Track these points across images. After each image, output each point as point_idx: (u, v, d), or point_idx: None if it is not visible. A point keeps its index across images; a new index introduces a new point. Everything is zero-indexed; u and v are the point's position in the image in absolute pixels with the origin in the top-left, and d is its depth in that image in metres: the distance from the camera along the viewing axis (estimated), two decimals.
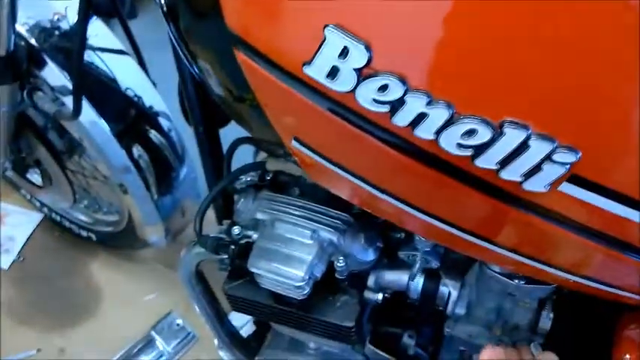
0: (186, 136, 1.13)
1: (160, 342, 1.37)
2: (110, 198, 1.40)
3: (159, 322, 1.39)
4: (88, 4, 0.81)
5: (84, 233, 1.48)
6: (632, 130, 0.37)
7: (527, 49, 0.36)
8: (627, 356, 0.58)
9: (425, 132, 0.39)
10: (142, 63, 1.25)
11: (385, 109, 0.40)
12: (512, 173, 0.39)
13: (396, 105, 0.39)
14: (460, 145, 0.39)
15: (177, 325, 1.40)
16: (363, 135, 0.43)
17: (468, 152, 0.39)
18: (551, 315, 0.63)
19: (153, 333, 1.37)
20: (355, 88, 0.40)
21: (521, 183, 0.40)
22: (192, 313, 1.34)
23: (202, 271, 0.86)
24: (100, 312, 1.42)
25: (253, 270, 0.65)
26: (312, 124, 0.46)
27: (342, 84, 0.40)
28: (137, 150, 1.14)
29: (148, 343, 1.38)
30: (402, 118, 0.39)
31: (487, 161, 0.39)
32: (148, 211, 1.25)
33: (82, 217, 1.48)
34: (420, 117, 0.39)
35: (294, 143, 0.50)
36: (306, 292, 0.64)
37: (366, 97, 0.40)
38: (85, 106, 1.07)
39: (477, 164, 0.40)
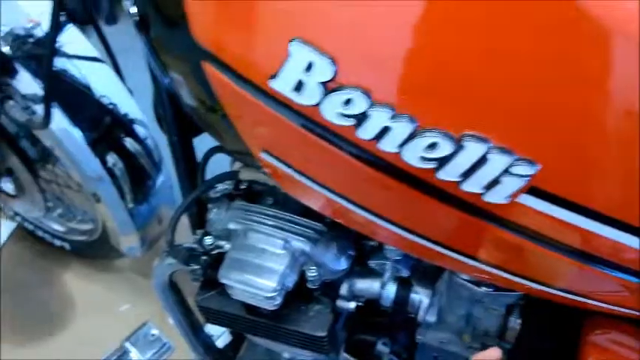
0: (163, 143, 1.12)
1: (134, 353, 1.35)
2: (84, 206, 1.38)
3: (134, 332, 1.37)
4: (60, 11, 0.81)
5: (57, 242, 1.46)
6: (590, 144, 0.39)
7: (485, 65, 0.37)
8: None
9: (389, 145, 0.40)
10: (118, 70, 1.24)
11: (350, 122, 0.40)
12: (473, 185, 0.40)
13: (361, 119, 0.40)
14: (423, 158, 0.40)
15: (153, 335, 1.37)
16: (330, 148, 0.43)
17: (431, 165, 0.40)
18: (519, 321, 0.65)
19: (127, 344, 1.34)
20: (320, 101, 0.40)
21: (482, 195, 0.41)
22: (168, 323, 1.33)
23: (176, 282, 0.85)
24: (73, 323, 1.39)
25: (224, 281, 0.65)
26: (280, 137, 0.46)
27: (308, 98, 0.40)
28: (112, 158, 1.12)
29: (123, 355, 1.35)
30: (367, 132, 0.40)
31: (449, 174, 0.40)
32: (122, 221, 1.23)
33: (56, 226, 1.46)
34: (384, 131, 0.39)
35: (263, 155, 0.50)
36: (277, 302, 0.64)
37: (332, 110, 0.40)
38: (57, 114, 1.06)
39: (439, 177, 0.41)
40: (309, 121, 0.42)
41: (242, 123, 0.49)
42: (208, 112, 0.60)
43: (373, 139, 0.40)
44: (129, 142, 1.18)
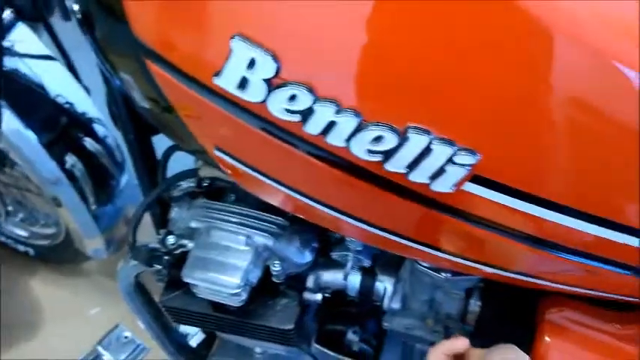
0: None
1: (107, 356, 1.33)
2: (46, 210, 1.34)
3: (105, 336, 1.34)
4: (7, 7, 0.77)
5: (21, 247, 1.41)
6: (529, 133, 0.40)
7: (425, 59, 0.37)
8: (547, 339, 0.62)
9: (336, 139, 0.40)
10: (72, 68, 1.20)
11: (296, 118, 0.40)
12: (419, 176, 0.41)
13: (306, 114, 0.40)
14: (370, 151, 0.40)
15: (126, 337, 1.35)
16: (279, 143, 0.43)
17: (378, 158, 0.41)
18: (479, 303, 0.66)
19: (99, 348, 1.32)
20: (266, 98, 0.40)
21: (429, 185, 0.42)
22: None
23: (143, 283, 0.84)
24: (42, 330, 1.36)
25: (188, 280, 0.64)
26: (230, 134, 0.46)
27: (253, 94, 0.40)
28: (70, 159, 1.09)
29: (96, 359, 1.34)
30: (314, 127, 0.40)
31: (396, 165, 0.41)
32: (85, 223, 1.20)
33: (18, 231, 1.41)
34: (330, 125, 0.40)
35: (217, 152, 0.50)
36: (243, 298, 0.64)
37: (278, 106, 0.40)
38: (8, 115, 1.02)
39: (387, 168, 0.41)
40: (257, 117, 0.42)
41: (192, 121, 0.49)
42: (161, 112, 0.59)
43: (320, 133, 0.41)
44: (88, 142, 1.15)
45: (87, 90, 1.19)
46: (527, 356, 0.50)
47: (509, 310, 0.69)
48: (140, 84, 0.56)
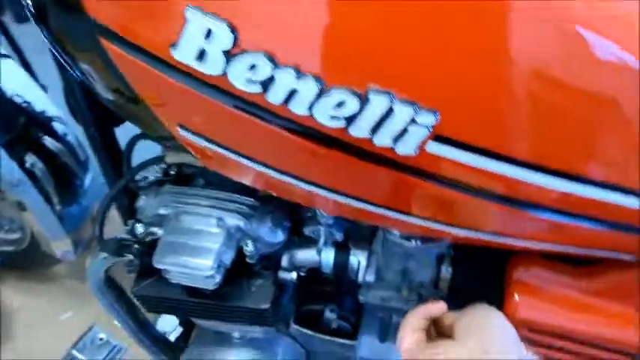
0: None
1: None
2: (9, 214, 1.29)
3: (80, 339, 1.32)
4: None
5: None
6: (486, 88, 0.41)
7: (382, 21, 0.38)
8: (516, 297, 0.64)
9: (299, 107, 0.41)
10: (28, 67, 1.17)
11: (258, 88, 0.40)
12: (383, 139, 0.42)
13: (267, 83, 0.40)
14: (333, 117, 0.41)
15: (101, 339, 1.33)
16: (243, 116, 0.43)
17: (342, 123, 0.41)
18: (450, 269, 0.68)
19: (74, 352, 1.30)
20: (226, 69, 0.40)
21: (393, 148, 0.42)
22: (116, 324, 1.29)
23: (113, 278, 0.83)
24: (14, 339, 1.32)
25: (159, 266, 0.64)
26: (191, 109, 0.46)
27: (212, 67, 0.40)
28: (30, 159, 1.06)
29: None
30: (275, 96, 0.40)
31: (360, 130, 0.41)
32: (50, 225, 1.17)
33: None
34: (292, 93, 0.40)
35: (179, 131, 0.49)
36: (217, 281, 0.64)
37: (239, 77, 0.40)
38: None
39: (351, 134, 0.42)
40: (219, 90, 0.42)
41: (152, 99, 0.48)
42: (125, 102, 0.58)
43: (283, 102, 0.41)
44: (48, 141, 1.12)
45: (44, 88, 1.15)
46: (500, 312, 0.52)
47: (480, 275, 0.71)
48: (100, 72, 0.54)
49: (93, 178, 1.24)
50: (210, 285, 0.64)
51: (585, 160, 0.45)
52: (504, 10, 0.38)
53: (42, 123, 1.13)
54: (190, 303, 0.69)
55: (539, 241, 0.57)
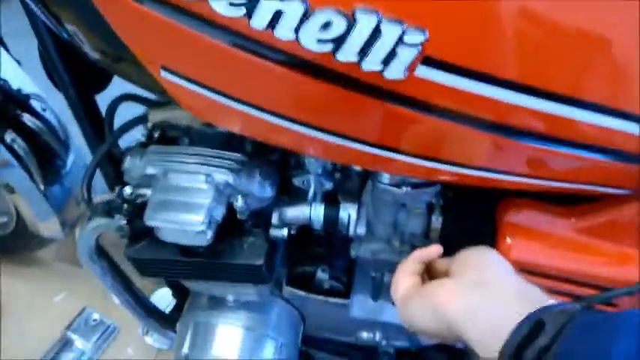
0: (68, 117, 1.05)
1: (78, 341, 1.29)
2: None
3: (73, 320, 1.31)
4: None
5: None
6: (475, 6, 0.40)
7: None
8: (508, 240, 0.65)
9: (284, 31, 0.40)
10: (2, 43, 1.13)
11: (241, 12, 0.39)
12: (371, 63, 0.41)
13: (251, 6, 0.39)
14: (320, 41, 0.40)
15: (95, 320, 1.32)
16: (227, 47, 0.42)
17: (329, 47, 0.40)
18: (440, 218, 0.68)
19: (69, 333, 1.29)
20: None
21: (382, 72, 0.42)
22: (109, 304, 1.28)
23: (104, 247, 0.82)
24: (10, 323, 1.30)
25: (151, 223, 0.63)
26: (174, 44, 0.44)
27: None
28: (10, 136, 1.04)
29: (66, 345, 1.29)
30: (260, 20, 0.39)
31: (347, 53, 0.41)
32: (38, 206, 1.15)
33: None
34: (277, 15, 0.39)
35: (163, 74, 0.48)
36: (209, 237, 0.63)
37: (219, 2, 0.39)
38: None
39: (339, 59, 0.41)
40: (200, 19, 0.41)
41: (134, 41, 0.47)
42: (107, 54, 0.57)
43: (268, 27, 0.40)
44: (27, 119, 1.09)
45: (18, 62, 1.12)
46: (494, 250, 0.51)
47: (471, 222, 0.71)
48: (88, 33, 0.53)
49: (75, 158, 1.21)
50: (202, 241, 0.64)
51: (580, 81, 0.44)
52: None
53: (19, 101, 1.10)
54: (183, 263, 0.68)
55: (531, 177, 0.56)
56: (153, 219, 0.62)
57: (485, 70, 0.43)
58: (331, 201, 0.70)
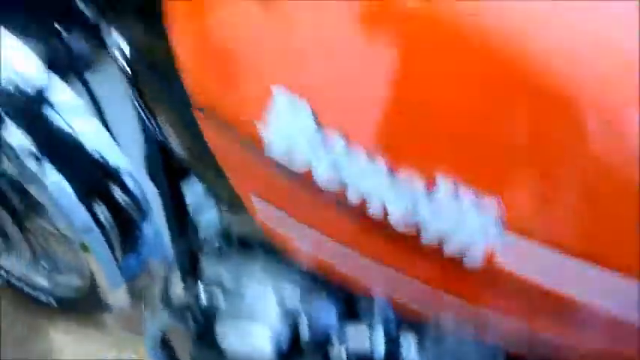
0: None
1: None
2: (71, 260, 1.35)
3: None
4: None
5: (43, 297, 1.42)
6: None
7: None
8: None
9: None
10: (105, 123, 1.25)
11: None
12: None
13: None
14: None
15: None
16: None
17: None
18: None
19: None
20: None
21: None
22: None
23: (169, 339, 0.83)
24: None
25: (223, 345, 0.64)
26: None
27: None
28: (99, 209, 1.12)
29: None
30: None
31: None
32: (111, 273, 1.22)
33: (41, 281, 1.42)
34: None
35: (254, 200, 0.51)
36: None
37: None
38: (49, 168, 1.07)
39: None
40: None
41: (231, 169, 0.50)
42: (198, 159, 0.61)
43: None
44: (118, 194, 1.19)
45: (117, 142, 1.23)
46: None
47: None
48: (181, 136, 0.58)
49: (154, 232, 1.28)
50: None
51: None
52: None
53: (114, 177, 1.20)
54: None
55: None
56: (224, 342, 0.64)
57: None
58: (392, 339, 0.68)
